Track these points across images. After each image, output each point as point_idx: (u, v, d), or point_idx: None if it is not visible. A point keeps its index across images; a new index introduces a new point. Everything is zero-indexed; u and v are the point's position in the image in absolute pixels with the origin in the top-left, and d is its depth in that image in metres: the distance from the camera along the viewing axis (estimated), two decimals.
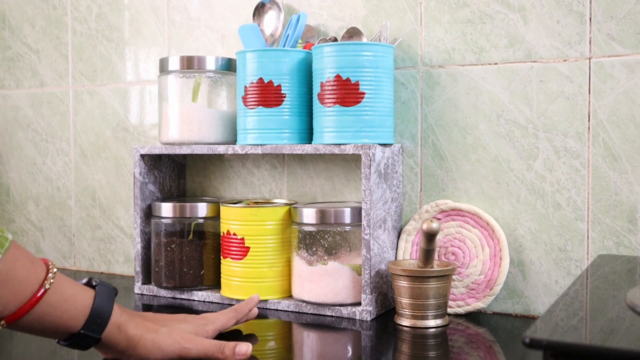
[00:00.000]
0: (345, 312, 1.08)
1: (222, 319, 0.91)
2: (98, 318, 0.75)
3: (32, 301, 0.71)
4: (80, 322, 0.74)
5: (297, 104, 1.14)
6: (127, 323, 0.78)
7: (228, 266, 1.16)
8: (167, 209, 1.22)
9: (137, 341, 0.78)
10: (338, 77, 1.08)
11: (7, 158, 1.60)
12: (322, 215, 1.09)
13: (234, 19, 1.33)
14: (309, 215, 1.10)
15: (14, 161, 1.59)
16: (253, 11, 1.23)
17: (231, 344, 0.81)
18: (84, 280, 0.80)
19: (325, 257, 1.09)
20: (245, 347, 0.81)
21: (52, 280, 0.72)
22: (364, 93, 1.08)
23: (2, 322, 0.71)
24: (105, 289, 0.78)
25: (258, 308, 1.15)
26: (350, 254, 1.09)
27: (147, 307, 1.19)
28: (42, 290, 0.71)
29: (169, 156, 1.33)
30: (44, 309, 0.72)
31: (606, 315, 0.68)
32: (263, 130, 1.14)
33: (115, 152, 1.46)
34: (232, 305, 1.17)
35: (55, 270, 0.74)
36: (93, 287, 0.78)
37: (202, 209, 1.22)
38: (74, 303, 0.74)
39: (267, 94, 1.13)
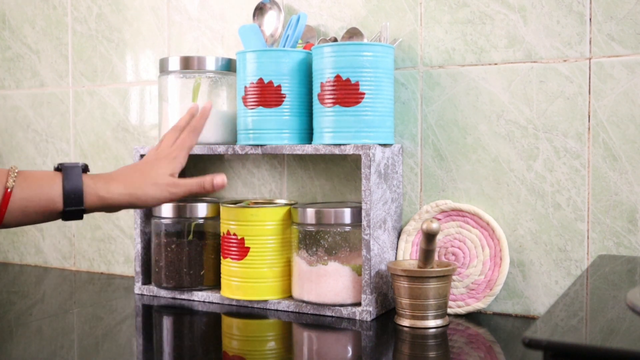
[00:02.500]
0: (345, 312, 1.08)
1: (187, 144, 0.98)
2: (72, 194, 0.85)
3: (4, 202, 0.81)
4: (59, 203, 0.85)
5: (297, 104, 1.14)
6: (107, 188, 0.88)
7: (228, 266, 1.16)
8: (167, 209, 1.22)
9: (129, 198, 0.90)
10: (338, 77, 1.08)
11: (7, 158, 1.60)
12: (322, 215, 1.09)
13: (234, 19, 1.33)
14: (309, 216, 1.10)
15: (14, 161, 1.59)
16: (253, 11, 1.23)
17: (208, 178, 0.96)
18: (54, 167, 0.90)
19: (326, 258, 1.09)
20: (220, 179, 0.97)
21: (13, 180, 0.82)
22: (364, 93, 1.08)
23: None
24: (71, 168, 0.87)
25: (258, 309, 1.15)
26: (350, 254, 1.09)
27: (147, 307, 1.19)
28: (7, 190, 0.82)
29: None
30: (20, 204, 0.83)
31: (606, 315, 0.68)
32: (263, 131, 1.14)
33: (115, 153, 1.46)
34: (232, 305, 1.17)
35: (17, 171, 0.84)
36: (59, 170, 0.88)
37: (202, 209, 1.22)
38: (45, 190, 0.84)
39: (267, 94, 1.13)
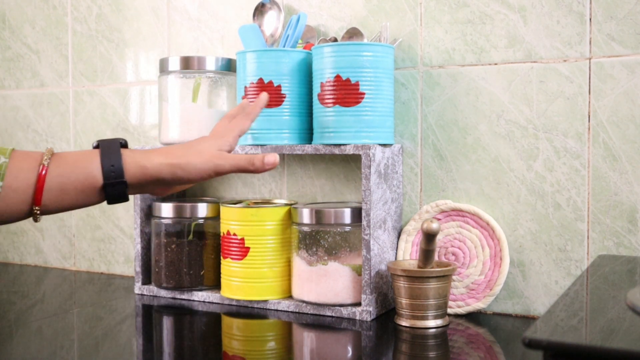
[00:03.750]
0: (345, 312, 1.08)
1: (240, 127, 0.92)
2: (112, 166, 0.80)
3: (40, 180, 0.77)
4: (98, 177, 0.79)
5: (297, 104, 1.14)
6: (148, 158, 0.82)
7: (228, 266, 1.16)
8: (167, 209, 1.22)
9: (171, 168, 0.83)
10: (338, 77, 1.08)
11: None
12: (322, 215, 1.09)
13: (234, 19, 1.33)
14: (309, 216, 1.10)
15: None
16: (253, 11, 1.23)
17: (259, 155, 0.86)
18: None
19: (326, 258, 1.09)
20: (272, 158, 0.86)
21: (48, 158, 0.78)
22: (364, 93, 1.08)
23: (35, 209, 0.78)
24: (107, 142, 0.83)
25: (258, 309, 1.15)
26: (350, 254, 1.09)
27: (147, 307, 1.19)
28: (43, 167, 0.78)
29: None
30: (57, 182, 0.78)
31: (606, 315, 0.68)
32: (263, 131, 1.14)
33: None
34: (232, 305, 1.17)
35: (52, 151, 0.80)
36: (97, 147, 0.83)
37: (202, 209, 1.22)
38: (82, 165, 0.80)
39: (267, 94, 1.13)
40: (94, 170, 0.80)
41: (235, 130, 0.91)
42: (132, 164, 0.81)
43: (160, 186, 0.85)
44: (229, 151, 0.89)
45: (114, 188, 0.80)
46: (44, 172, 0.77)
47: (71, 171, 0.79)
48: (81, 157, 0.81)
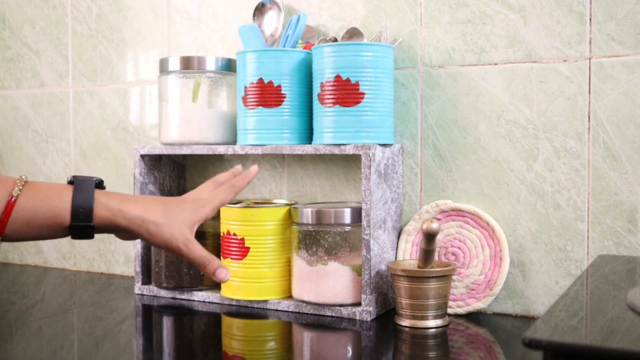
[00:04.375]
0: (345, 312, 1.08)
1: (221, 198, 0.92)
2: (81, 208, 0.80)
3: (6, 212, 0.77)
4: (66, 217, 0.80)
5: (297, 104, 1.14)
6: (121, 208, 0.82)
7: (228, 266, 1.16)
8: None
9: (139, 229, 0.83)
10: (338, 77, 1.08)
11: (7, 158, 1.60)
12: (322, 215, 1.09)
13: (234, 19, 1.33)
14: (309, 216, 1.10)
15: (14, 161, 1.59)
16: (253, 11, 1.23)
17: (214, 264, 0.87)
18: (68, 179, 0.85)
19: (326, 258, 1.09)
20: (224, 274, 0.88)
21: (18, 190, 0.78)
22: (363, 93, 1.08)
23: None
24: (84, 181, 0.82)
25: (258, 309, 1.15)
26: (350, 254, 1.09)
27: (147, 307, 1.19)
28: (12, 199, 0.78)
29: (169, 156, 1.33)
30: (24, 215, 0.79)
31: (606, 315, 0.68)
32: (263, 131, 1.14)
33: (115, 153, 1.46)
34: (232, 305, 1.17)
35: (24, 181, 0.80)
36: (72, 183, 0.83)
37: None
38: (52, 202, 0.80)
39: (267, 94, 1.13)
40: (62, 210, 0.80)
41: (216, 201, 0.91)
42: (103, 209, 0.81)
43: (125, 236, 0.86)
44: (203, 221, 0.89)
45: (80, 230, 0.81)
46: (11, 204, 0.78)
47: (40, 206, 0.79)
48: (52, 193, 0.80)
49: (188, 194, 0.93)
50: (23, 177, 0.80)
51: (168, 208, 0.86)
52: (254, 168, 0.98)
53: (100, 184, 0.84)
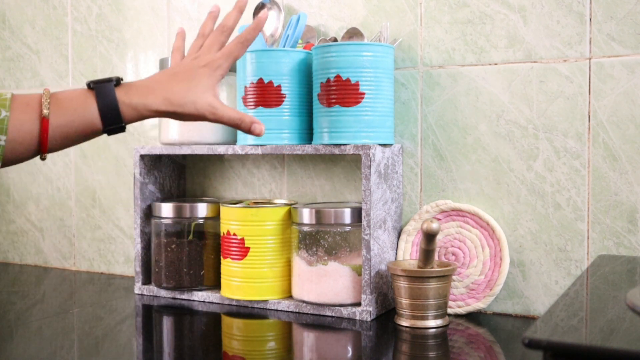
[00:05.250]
0: (345, 312, 1.08)
1: (234, 54, 0.89)
2: (109, 114, 0.82)
3: (43, 131, 0.80)
4: (98, 123, 0.82)
5: (297, 104, 1.14)
6: (145, 102, 0.84)
7: (228, 266, 1.16)
8: (167, 209, 1.22)
9: (166, 114, 0.85)
10: (338, 77, 1.08)
11: None
12: (322, 215, 1.09)
13: None
14: (309, 216, 1.10)
15: None
16: (253, 11, 1.23)
17: (247, 121, 0.88)
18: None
19: (326, 258, 1.09)
20: (259, 129, 0.88)
21: (47, 107, 0.80)
22: (364, 93, 1.08)
23: (42, 155, 0.82)
24: (103, 85, 0.83)
25: (258, 309, 1.15)
26: (350, 254, 1.09)
27: (147, 307, 1.19)
28: (44, 119, 0.80)
29: (169, 156, 1.33)
30: (60, 131, 0.81)
31: (606, 315, 0.68)
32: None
33: (116, 153, 1.46)
34: (232, 305, 1.17)
35: (48, 99, 0.81)
36: (91, 88, 0.84)
37: (202, 209, 1.22)
38: (80, 113, 0.82)
39: (267, 94, 1.13)
40: (93, 118, 0.82)
41: (229, 58, 0.89)
42: (128, 109, 0.83)
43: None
44: (222, 77, 0.89)
45: (113, 130, 0.84)
46: (45, 123, 0.80)
47: (71, 120, 0.81)
48: (79, 104, 0.82)
49: (197, 56, 0.89)
50: (47, 91, 0.82)
51: (185, 85, 0.86)
52: (264, 13, 0.94)
53: (118, 82, 0.85)
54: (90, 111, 0.82)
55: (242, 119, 0.87)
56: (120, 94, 0.83)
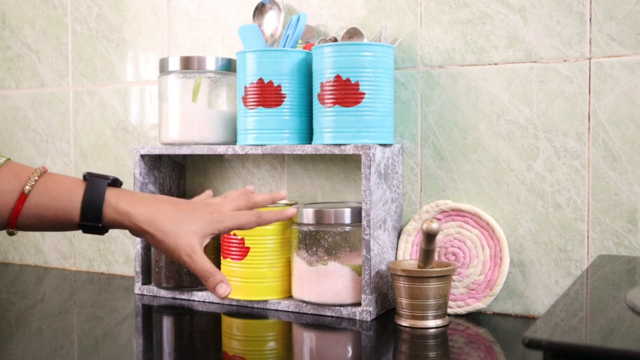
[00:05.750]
0: (345, 312, 1.08)
1: (242, 220, 0.86)
2: (90, 209, 0.80)
3: (16, 208, 0.78)
4: (76, 215, 0.80)
5: (297, 104, 1.14)
6: (131, 211, 0.81)
7: (228, 266, 1.16)
8: None
9: (145, 234, 0.82)
10: (338, 77, 1.08)
11: None
12: (322, 215, 1.09)
13: (234, 19, 1.33)
14: (309, 216, 1.10)
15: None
16: (253, 11, 1.23)
17: (217, 277, 0.83)
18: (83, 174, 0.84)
19: (326, 258, 1.09)
20: (224, 289, 0.84)
21: (29, 186, 0.79)
22: (364, 93, 1.08)
23: (8, 229, 0.80)
24: (96, 181, 0.82)
25: (258, 309, 1.15)
26: (350, 254, 1.09)
27: (147, 307, 1.19)
28: (23, 194, 0.78)
29: (169, 156, 1.33)
30: (35, 211, 0.79)
31: (606, 315, 0.68)
32: (263, 131, 1.14)
33: (116, 153, 1.46)
34: (231, 306, 1.17)
35: (37, 177, 0.80)
36: (86, 180, 0.83)
37: None
38: (63, 200, 0.80)
39: (267, 94, 1.13)
40: (73, 209, 0.80)
41: (235, 222, 0.86)
42: (112, 211, 0.81)
43: (135, 234, 0.85)
44: (218, 235, 0.86)
45: (89, 228, 0.81)
46: (22, 199, 0.78)
47: (50, 204, 0.79)
48: (64, 191, 0.80)
49: (209, 203, 0.87)
50: (41, 169, 0.80)
51: (180, 216, 0.83)
52: (291, 210, 0.92)
53: (114, 182, 0.83)
54: (73, 201, 0.80)
55: (213, 274, 0.83)
56: (110, 194, 0.81)
